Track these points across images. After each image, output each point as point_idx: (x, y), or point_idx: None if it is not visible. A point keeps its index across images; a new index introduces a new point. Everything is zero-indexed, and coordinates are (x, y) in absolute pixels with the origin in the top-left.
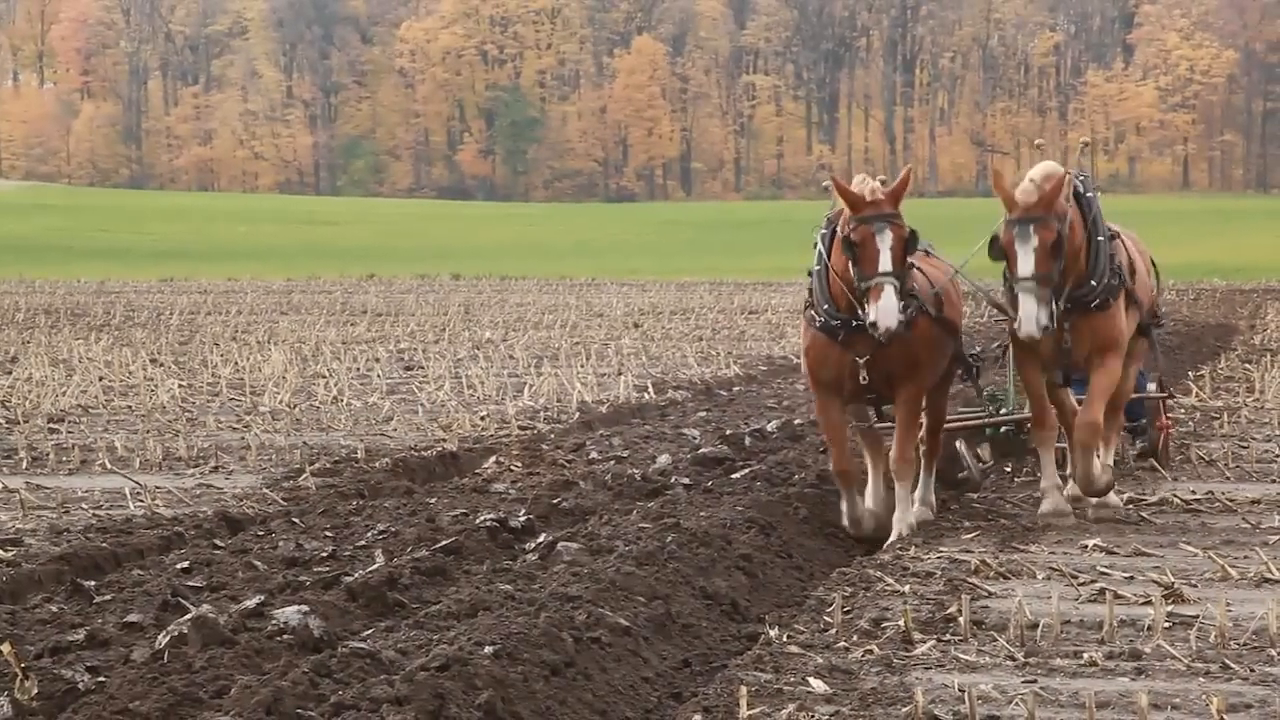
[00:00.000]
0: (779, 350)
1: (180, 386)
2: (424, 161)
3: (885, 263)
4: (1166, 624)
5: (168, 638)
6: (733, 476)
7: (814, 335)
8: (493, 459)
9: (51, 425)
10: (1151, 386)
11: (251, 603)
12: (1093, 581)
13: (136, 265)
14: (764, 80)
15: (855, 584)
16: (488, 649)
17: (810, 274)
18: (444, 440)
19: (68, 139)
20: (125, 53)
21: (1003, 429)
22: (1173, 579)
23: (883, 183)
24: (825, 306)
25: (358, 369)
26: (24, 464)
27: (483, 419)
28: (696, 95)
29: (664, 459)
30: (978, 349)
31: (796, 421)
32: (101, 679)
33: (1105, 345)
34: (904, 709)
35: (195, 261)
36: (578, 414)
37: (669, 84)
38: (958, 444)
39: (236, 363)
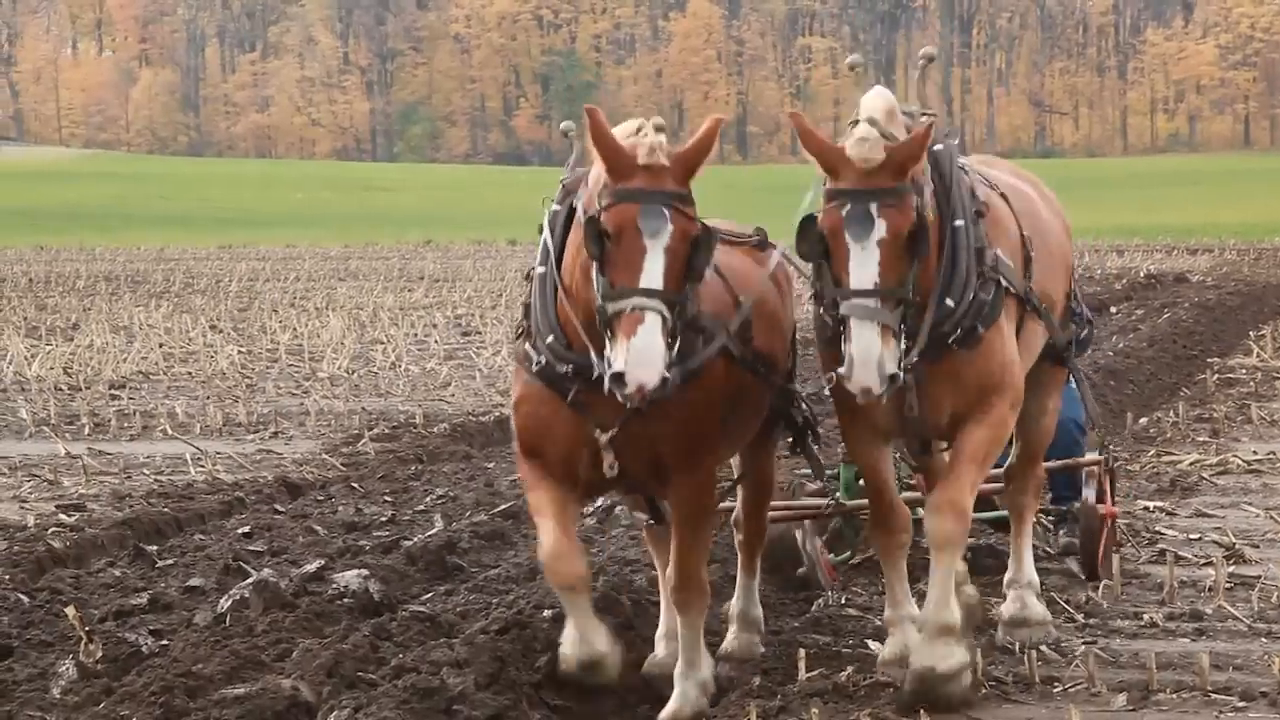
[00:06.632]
0: None
1: (240, 353)
2: (480, 127)
3: (652, 274)
4: (1228, 585)
5: (230, 601)
6: None
7: (528, 387)
8: None
9: (113, 392)
10: (1088, 448)
11: (312, 567)
12: (1153, 543)
13: (195, 232)
14: (820, 42)
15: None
16: (547, 612)
17: (528, 280)
18: (502, 405)
19: (126, 106)
20: (183, 20)
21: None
22: (1234, 539)
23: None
24: (549, 339)
25: (415, 335)
26: (86, 430)
27: None
28: (752, 58)
29: None
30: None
31: None
32: (165, 642)
33: (983, 397)
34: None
35: (253, 228)
36: None
37: (725, 47)
38: (796, 532)
39: (295, 329)
